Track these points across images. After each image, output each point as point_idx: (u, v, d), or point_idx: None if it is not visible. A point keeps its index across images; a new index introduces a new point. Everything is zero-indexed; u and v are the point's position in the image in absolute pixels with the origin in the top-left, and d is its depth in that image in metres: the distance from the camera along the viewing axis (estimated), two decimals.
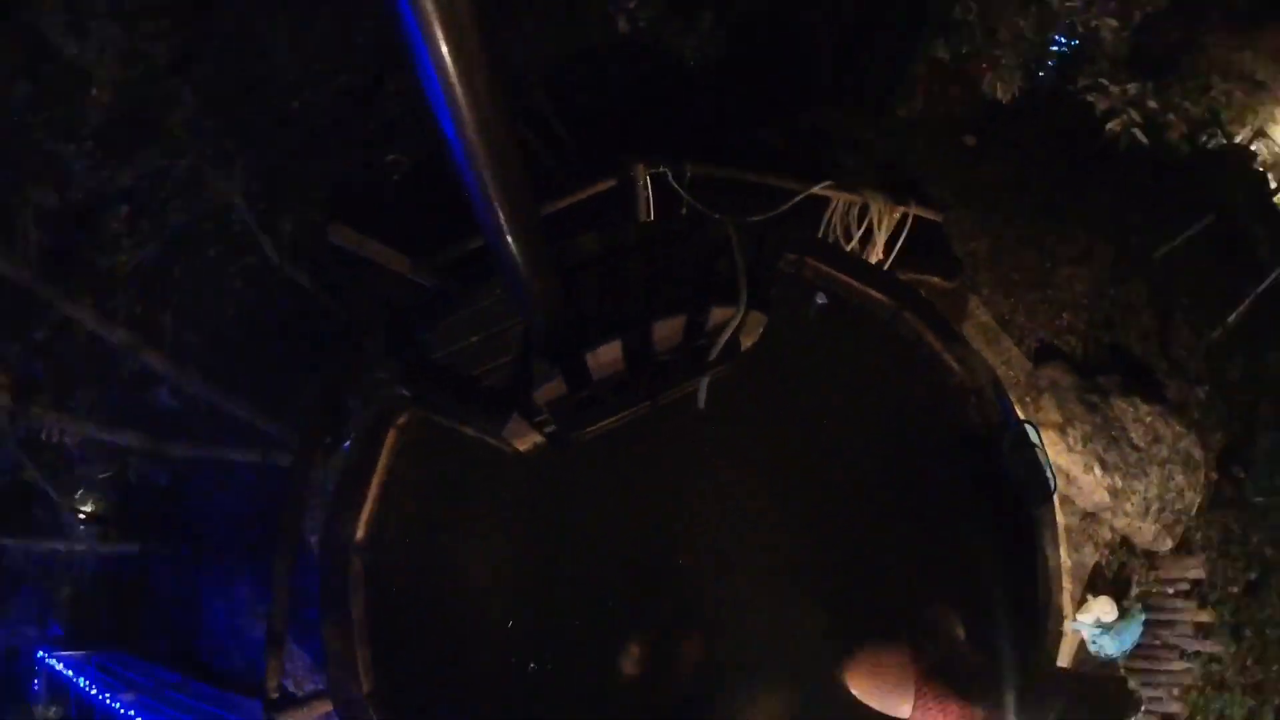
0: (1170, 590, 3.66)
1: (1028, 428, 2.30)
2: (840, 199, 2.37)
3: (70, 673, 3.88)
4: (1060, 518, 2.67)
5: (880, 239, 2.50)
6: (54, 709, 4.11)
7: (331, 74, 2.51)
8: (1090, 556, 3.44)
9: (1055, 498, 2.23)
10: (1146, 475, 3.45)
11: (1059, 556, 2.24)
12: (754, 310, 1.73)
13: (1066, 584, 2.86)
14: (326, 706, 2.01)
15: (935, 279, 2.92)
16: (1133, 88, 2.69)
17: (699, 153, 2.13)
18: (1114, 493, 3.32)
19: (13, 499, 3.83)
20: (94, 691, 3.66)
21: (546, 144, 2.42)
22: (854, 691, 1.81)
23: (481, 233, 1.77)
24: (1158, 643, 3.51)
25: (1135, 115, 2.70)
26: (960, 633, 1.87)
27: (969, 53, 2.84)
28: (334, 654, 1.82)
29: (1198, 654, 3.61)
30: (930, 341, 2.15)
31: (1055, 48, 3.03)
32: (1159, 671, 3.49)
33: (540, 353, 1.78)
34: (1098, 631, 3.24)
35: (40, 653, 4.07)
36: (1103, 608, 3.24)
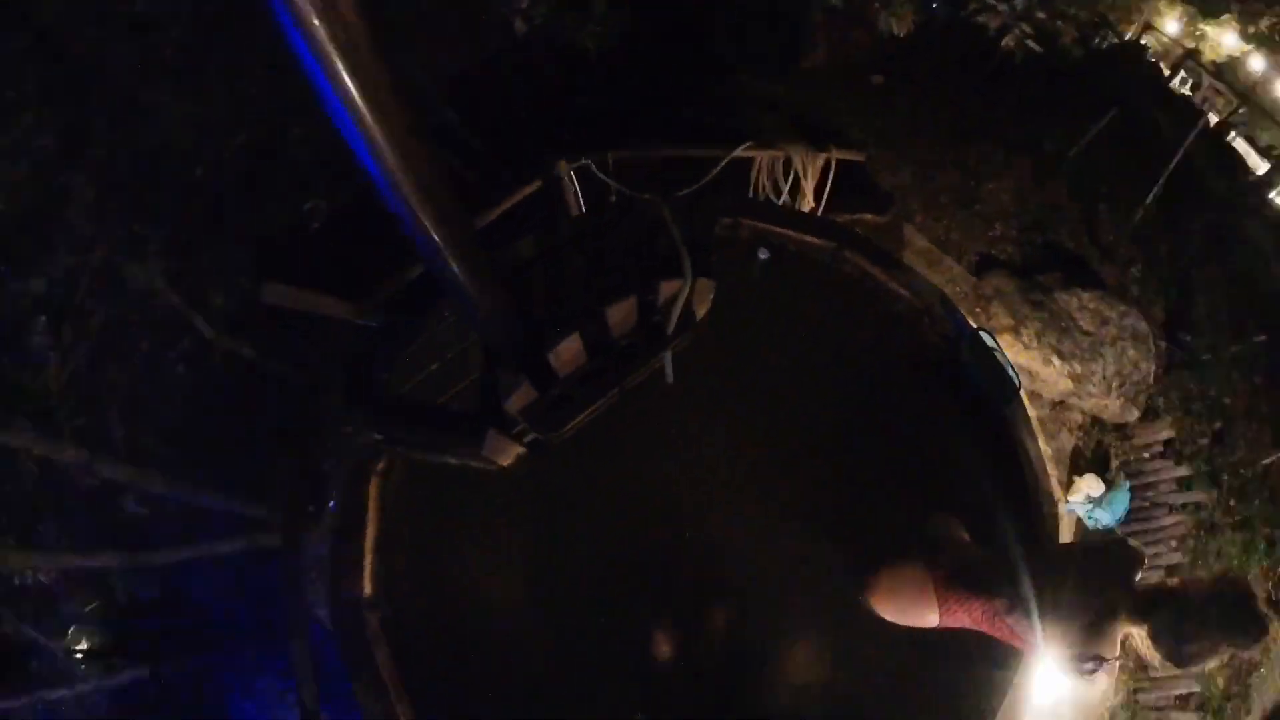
0: (1146, 454, 3.91)
1: (982, 335, 2.42)
2: (763, 157, 2.44)
3: None
4: (1032, 411, 2.81)
5: (809, 188, 2.58)
6: None
7: (230, 133, 2.42)
8: (1067, 441, 3.63)
9: (1023, 394, 2.35)
10: (1101, 356, 3.67)
11: (1039, 446, 2.36)
12: (701, 278, 1.77)
13: (1052, 470, 3.02)
14: None
15: (869, 216, 3.03)
16: (1019, 2, 2.83)
17: (619, 139, 2.15)
18: (1075, 379, 3.51)
19: (2, 657, 3.57)
20: None
21: (464, 159, 2.40)
22: (882, 614, 1.88)
23: (420, 258, 1.75)
24: (1146, 504, 3.75)
25: (1026, 28, 2.85)
26: (965, 535, 1.96)
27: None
28: (373, 716, 1.79)
29: (1184, 505, 3.87)
30: (874, 274, 2.23)
31: None
32: (1154, 529, 3.74)
33: (502, 364, 1.78)
34: (1090, 507, 3.44)
35: None
36: (1090, 485, 3.44)
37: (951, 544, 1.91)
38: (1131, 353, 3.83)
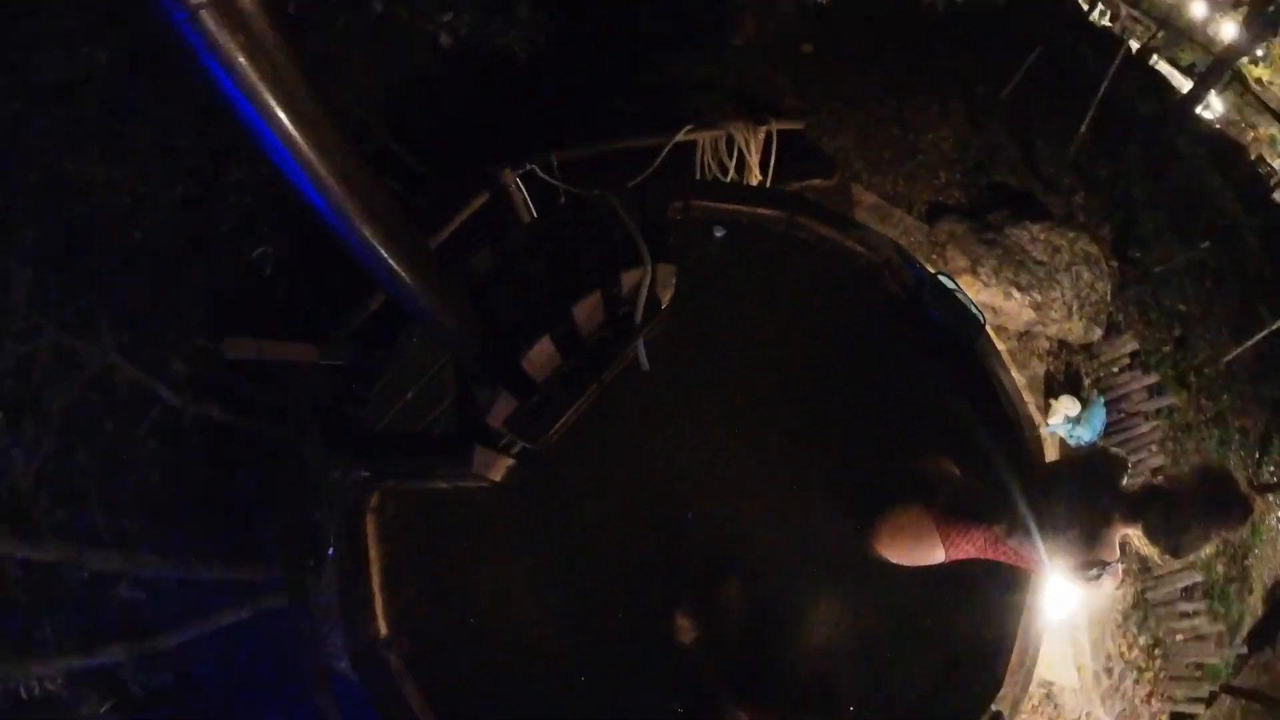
0: (1115, 369, 4.07)
1: (941, 279, 2.50)
2: (705, 138, 2.48)
3: None
4: (1000, 344, 2.91)
5: (754, 162, 2.63)
6: None
7: (165, 189, 2.35)
8: (1039, 368, 3.76)
9: (988, 329, 2.43)
10: (1058, 283, 3.81)
11: (1012, 376, 2.45)
12: (660, 263, 1.79)
13: (1028, 397, 3.13)
14: None
15: (816, 181, 3.10)
16: None
17: (560, 140, 2.16)
18: (1037, 307, 3.64)
19: None
20: None
21: (407, 183, 2.37)
22: (891, 559, 1.93)
23: (380, 286, 1.73)
24: (1122, 415, 3.92)
25: None
26: (955, 471, 2.03)
27: None
28: None
29: (1158, 411, 4.05)
30: (830, 235, 2.28)
31: None
32: (1133, 437, 3.91)
33: (478, 380, 1.78)
34: (1070, 426, 3.57)
35: None
36: (1066, 405, 3.58)
37: (944, 481, 1.98)
38: (1086, 275, 3.98)
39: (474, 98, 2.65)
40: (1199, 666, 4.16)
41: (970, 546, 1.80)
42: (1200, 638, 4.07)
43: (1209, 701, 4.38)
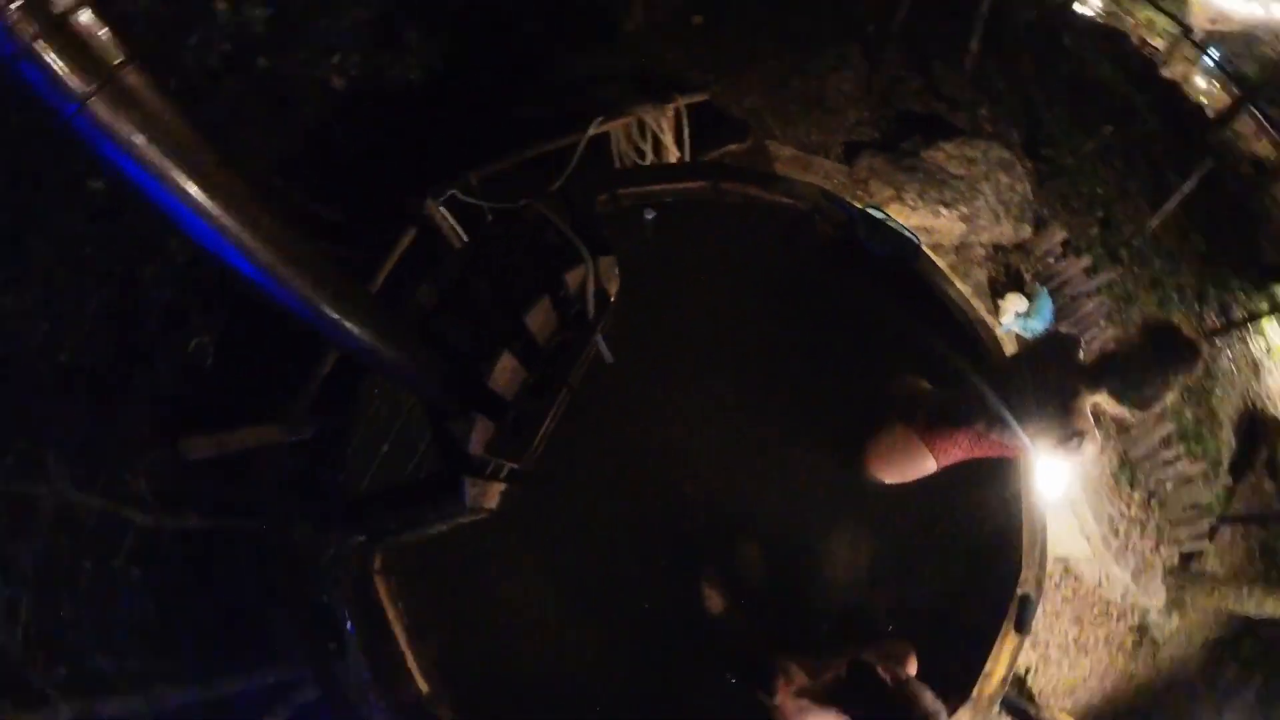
0: (1051, 259, 4.33)
1: (870, 212, 2.62)
2: (616, 127, 2.53)
3: None
4: (940, 261, 3.06)
5: (668, 141, 2.70)
6: None
7: (80, 304, 2.25)
8: (981, 275, 3.98)
9: (925, 249, 2.56)
10: (981, 193, 4.02)
11: (958, 287, 2.59)
12: (600, 256, 1.83)
13: (978, 303, 3.30)
14: None
15: (732, 146, 3.19)
16: None
17: (475, 160, 2.17)
18: (965, 219, 3.85)
19: None
20: None
21: (330, 237, 2.33)
22: (886, 480, 2.02)
23: (331, 345, 1.69)
24: (1067, 299, 4.20)
25: None
26: (926, 385, 2.14)
27: None
28: None
29: (1099, 289, 4.32)
30: (756, 194, 2.37)
31: None
32: (1081, 317, 4.18)
33: (449, 413, 1.78)
34: (1022, 321, 3.80)
35: None
36: (1014, 303, 3.80)
37: (919, 396, 2.09)
38: (1005, 179, 4.21)
39: (379, 135, 2.63)
40: (1194, 506, 4.47)
41: (957, 450, 1.91)
42: (1187, 480, 4.37)
43: (1211, 535, 4.71)
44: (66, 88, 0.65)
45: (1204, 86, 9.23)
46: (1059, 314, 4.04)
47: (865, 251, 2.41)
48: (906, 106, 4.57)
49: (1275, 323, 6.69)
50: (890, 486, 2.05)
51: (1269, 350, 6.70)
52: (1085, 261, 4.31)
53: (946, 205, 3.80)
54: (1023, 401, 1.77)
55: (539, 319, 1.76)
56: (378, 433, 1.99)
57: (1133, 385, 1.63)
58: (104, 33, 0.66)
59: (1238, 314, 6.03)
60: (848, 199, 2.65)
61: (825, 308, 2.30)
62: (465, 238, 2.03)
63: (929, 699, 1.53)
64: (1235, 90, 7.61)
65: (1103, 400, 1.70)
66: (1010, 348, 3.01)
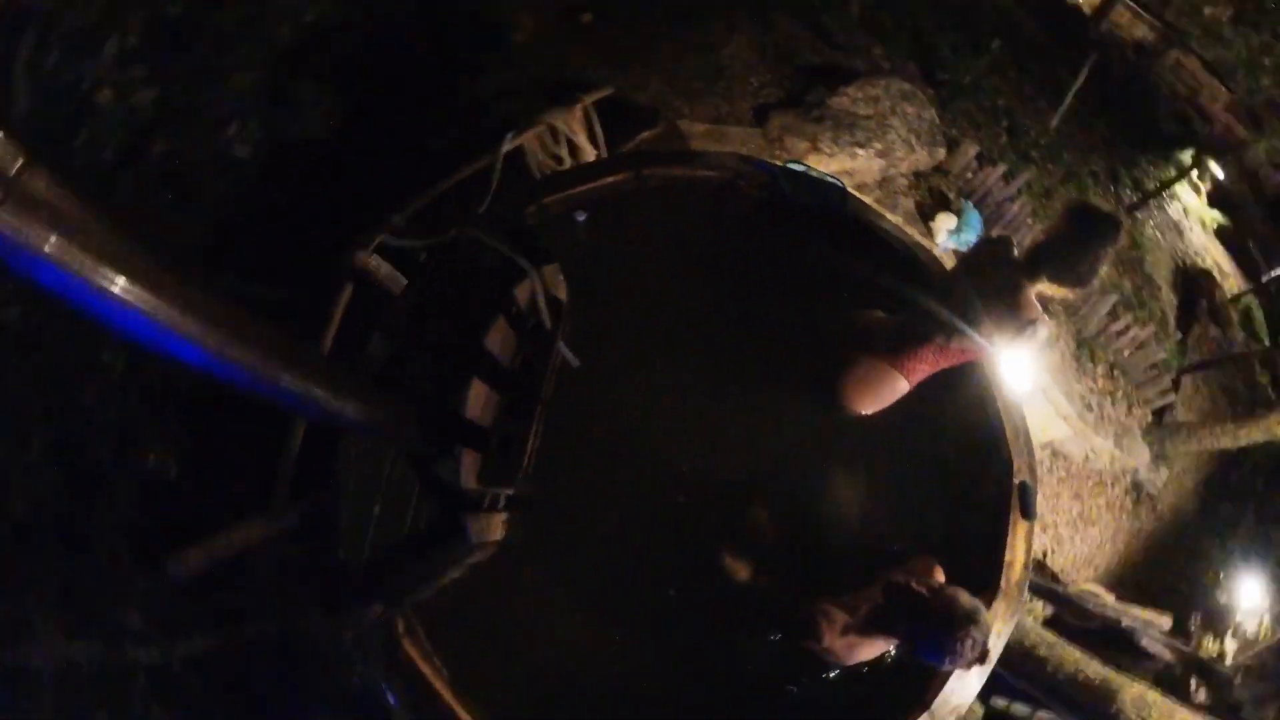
0: (969, 174, 4.62)
1: (791, 166, 2.75)
2: (528, 139, 2.58)
3: None
4: (867, 198, 3.24)
5: (582, 141, 2.77)
6: None
7: (22, 447, 2.13)
8: (908, 203, 4.22)
9: (851, 191, 2.71)
10: (891, 127, 4.26)
11: (889, 219, 2.75)
12: (542, 266, 1.88)
13: (911, 229, 3.50)
14: None
15: (646, 134, 3.29)
16: None
17: (394, 202, 2.19)
18: (882, 154, 4.07)
19: None
20: None
21: (268, 311, 2.30)
22: (865, 411, 2.14)
23: (296, 417, 1.67)
24: (991, 207, 4.48)
25: None
26: (880, 314, 2.27)
27: None
28: None
29: (1019, 192, 4.63)
30: (679, 174, 2.46)
31: None
32: (1009, 221, 4.49)
33: (433, 456, 1.79)
34: (955, 237, 4.04)
35: None
36: (944, 222, 4.04)
37: (877, 326, 2.22)
38: (910, 110, 4.47)
39: (296, 196, 2.60)
40: (1153, 366, 4.85)
41: (925, 365, 2.05)
42: (1141, 344, 4.74)
43: (1175, 388, 5.13)
44: None
45: None
46: (988, 222, 4.31)
47: (794, 205, 2.53)
48: (804, 60, 4.80)
49: (1186, 185, 7.30)
50: (872, 417, 2.16)
51: (1185, 211, 7.31)
52: (1001, 169, 4.62)
53: (861, 145, 4.02)
54: (972, 307, 1.91)
55: (498, 340, 1.80)
56: (365, 497, 1.97)
57: (1067, 266, 1.79)
58: None
59: (1150, 185, 6.54)
60: (767, 159, 2.78)
61: (770, 266, 2.41)
62: (404, 280, 2.04)
63: (965, 598, 1.64)
64: None
65: (1044, 287, 1.86)
66: (950, 263, 3.20)
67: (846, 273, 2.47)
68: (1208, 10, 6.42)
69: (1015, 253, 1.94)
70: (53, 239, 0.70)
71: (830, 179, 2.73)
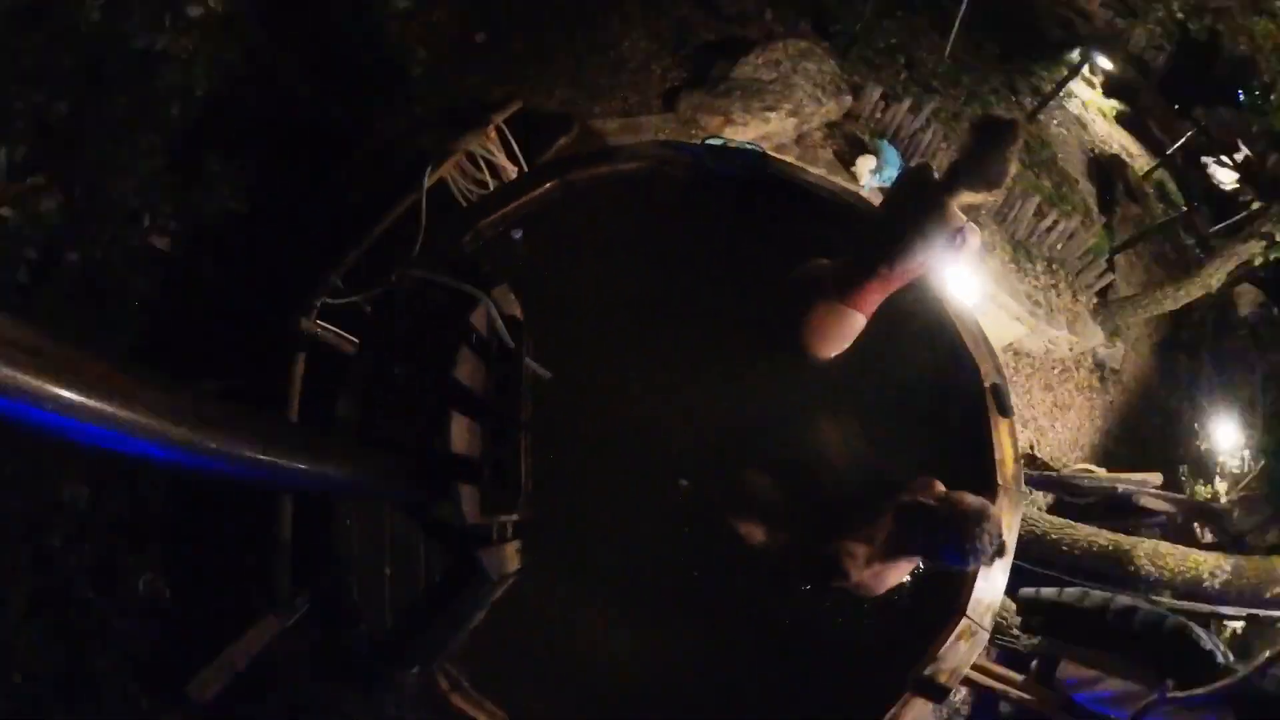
0: (879, 115, 4.86)
1: (710, 143, 2.85)
2: (448, 169, 2.61)
3: None
4: (789, 157, 3.39)
5: (502, 160, 2.81)
6: None
7: (4, 607, 2.01)
8: (826, 154, 4.41)
9: (771, 154, 2.83)
10: (796, 86, 4.45)
11: (812, 171, 2.88)
12: (492, 289, 1.92)
13: (835, 178, 3.67)
14: None
15: (562, 141, 3.36)
16: None
17: (327, 260, 2.18)
18: (793, 113, 4.26)
19: None
20: None
21: (230, 397, 2.24)
22: (831, 352, 2.25)
23: (287, 491, 1.64)
24: (906, 142, 4.72)
25: None
26: (824, 261, 2.39)
27: None
28: None
29: (928, 121, 4.89)
30: (603, 172, 2.53)
31: None
32: (925, 149, 4.74)
33: (430, 501, 1.80)
34: (878, 176, 4.26)
35: None
36: (864, 164, 4.26)
37: (823, 271, 2.34)
38: (811, 66, 4.68)
39: (224, 278, 2.55)
40: (1087, 253, 5.20)
41: (875, 295, 2.18)
42: (1071, 235, 5.08)
43: (1111, 267, 5.53)
44: None
45: None
46: (905, 155, 4.56)
47: (721, 178, 2.64)
48: (701, 39, 4.96)
49: (1080, 82, 7.83)
50: (840, 359, 2.28)
51: (1085, 105, 7.85)
52: (906, 104, 4.87)
53: (771, 109, 4.19)
54: (905, 232, 2.06)
55: (467, 370, 1.82)
56: (373, 562, 1.96)
57: (979, 172, 1.96)
58: None
59: (1047, 89, 6.98)
60: (685, 141, 2.88)
61: (712, 241, 2.50)
62: (355, 339, 2.04)
63: (970, 498, 1.76)
64: None
65: (966, 196, 2.02)
66: (878, 199, 3.38)
67: (785, 231, 2.59)
68: None
69: (935, 175, 2.10)
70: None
71: (749, 146, 2.85)
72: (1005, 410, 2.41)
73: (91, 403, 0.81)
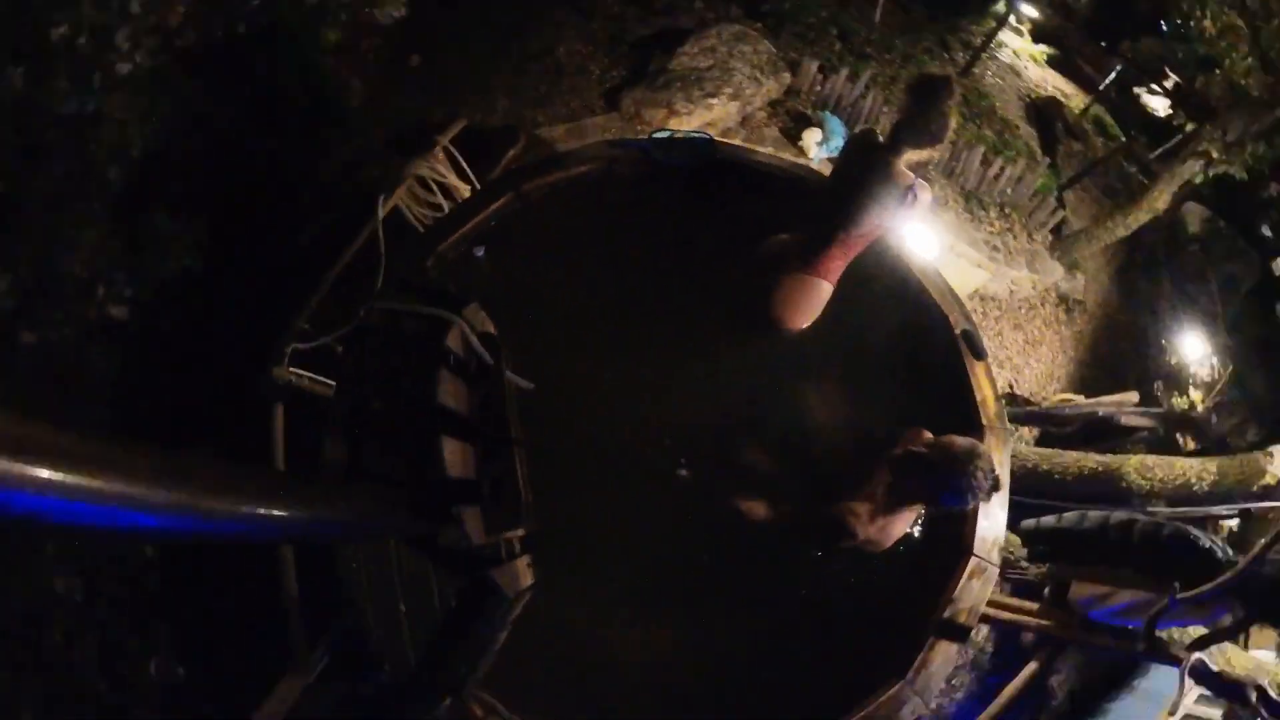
0: (819, 88, 4.98)
1: (657, 135, 2.90)
2: (400, 196, 2.61)
3: None
4: (736, 140, 3.46)
5: (454, 180, 2.82)
6: None
7: (14, 709, 1.93)
8: (773, 133, 4.51)
9: (718, 140, 2.89)
10: (734, 69, 4.53)
11: (762, 151, 2.95)
12: (462, 309, 1.92)
13: (784, 154, 3.76)
14: None
15: (510, 153, 3.38)
16: None
17: (295, 302, 2.15)
18: (734, 97, 4.34)
19: None
20: None
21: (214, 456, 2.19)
22: (804, 324, 2.32)
23: (298, 541, 1.60)
24: (849, 111, 4.84)
25: None
26: (783, 237, 2.45)
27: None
28: None
29: (867, 88, 5.03)
30: (556, 179, 2.55)
31: None
32: (867, 115, 4.88)
33: (433, 530, 1.79)
34: (825, 147, 4.36)
35: None
36: (810, 137, 4.36)
37: (784, 246, 2.40)
38: (746, 48, 4.77)
39: (186, 340, 2.49)
40: (1036, 194, 5.41)
41: (837, 261, 2.26)
42: (1019, 179, 5.28)
43: (1061, 204, 5.79)
44: None
45: None
46: (849, 124, 4.68)
47: (673, 169, 2.69)
48: (635, 34, 5.02)
49: (1009, 32, 8.12)
50: (812, 329, 2.35)
51: (1016, 53, 8.15)
52: (844, 74, 5.00)
53: (713, 95, 4.26)
54: (858, 196, 2.13)
55: (450, 393, 1.82)
56: (386, 602, 1.94)
57: (921, 130, 2.05)
58: None
59: (978, 42, 7.22)
60: (633, 137, 2.92)
61: (672, 233, 2.55)
62: (330, 381, 2.03)
63: (960, 441, 1.86)
64: None
65: (911, 154, 2.10)
66: (828, 169, 3.48)
67: (742, 212, 2.65)
68: None
69: (879, 138, 2.18)
70: None
71: (696, 135, 2.92)
72: (979, 353, 2.51)
73: (73, 479, 0.81)
